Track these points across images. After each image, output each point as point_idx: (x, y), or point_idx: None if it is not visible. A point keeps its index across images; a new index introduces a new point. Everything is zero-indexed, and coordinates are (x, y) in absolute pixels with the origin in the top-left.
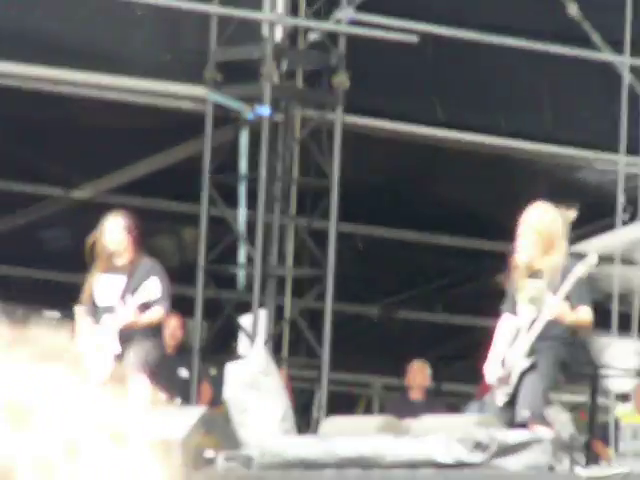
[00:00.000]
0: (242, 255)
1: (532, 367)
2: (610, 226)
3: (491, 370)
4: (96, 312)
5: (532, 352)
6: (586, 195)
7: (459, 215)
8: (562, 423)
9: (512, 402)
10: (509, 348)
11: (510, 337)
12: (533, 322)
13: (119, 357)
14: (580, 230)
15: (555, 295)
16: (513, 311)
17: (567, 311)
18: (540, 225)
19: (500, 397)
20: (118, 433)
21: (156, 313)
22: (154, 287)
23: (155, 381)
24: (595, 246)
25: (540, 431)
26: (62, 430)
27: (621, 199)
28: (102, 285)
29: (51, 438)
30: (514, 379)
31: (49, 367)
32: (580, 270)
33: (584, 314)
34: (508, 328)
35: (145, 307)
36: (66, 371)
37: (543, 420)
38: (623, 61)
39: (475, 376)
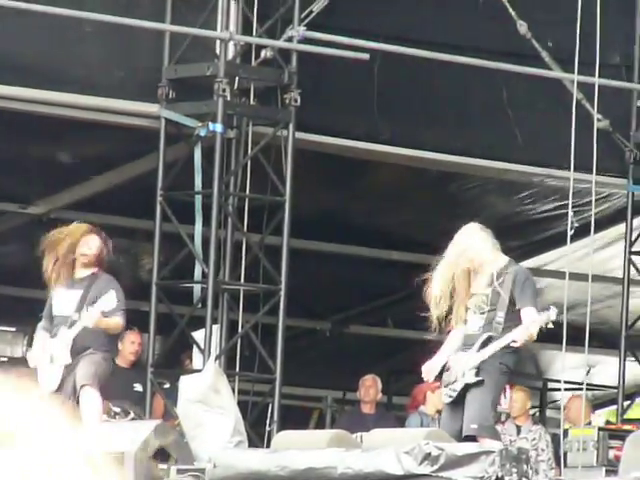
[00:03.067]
0: (198, 270)
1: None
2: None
3: (430, 369)
4: (52, 324)
5: (480, 369)
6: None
7: (407, 232)
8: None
9: (457, 406)
10: (455, 354)
11: (458, 344)
12: (486, 340)
13: (70, 368)
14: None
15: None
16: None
17: (520, 332)
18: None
19: (445, 397)
20: (89, 454)
21: (115, 322)
22: (112, 298)
23: (108, 394)
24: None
25: (488, 443)
26: (41, 451)
27: (570, 213)
28: (60, 297)
29: (32, 458)
30: (459, 386)
31: (20, 395)
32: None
33: (530, 323)
34: (457, 336)
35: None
36: (33, 396)
37: (491, 432)
38: (572, 78)
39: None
